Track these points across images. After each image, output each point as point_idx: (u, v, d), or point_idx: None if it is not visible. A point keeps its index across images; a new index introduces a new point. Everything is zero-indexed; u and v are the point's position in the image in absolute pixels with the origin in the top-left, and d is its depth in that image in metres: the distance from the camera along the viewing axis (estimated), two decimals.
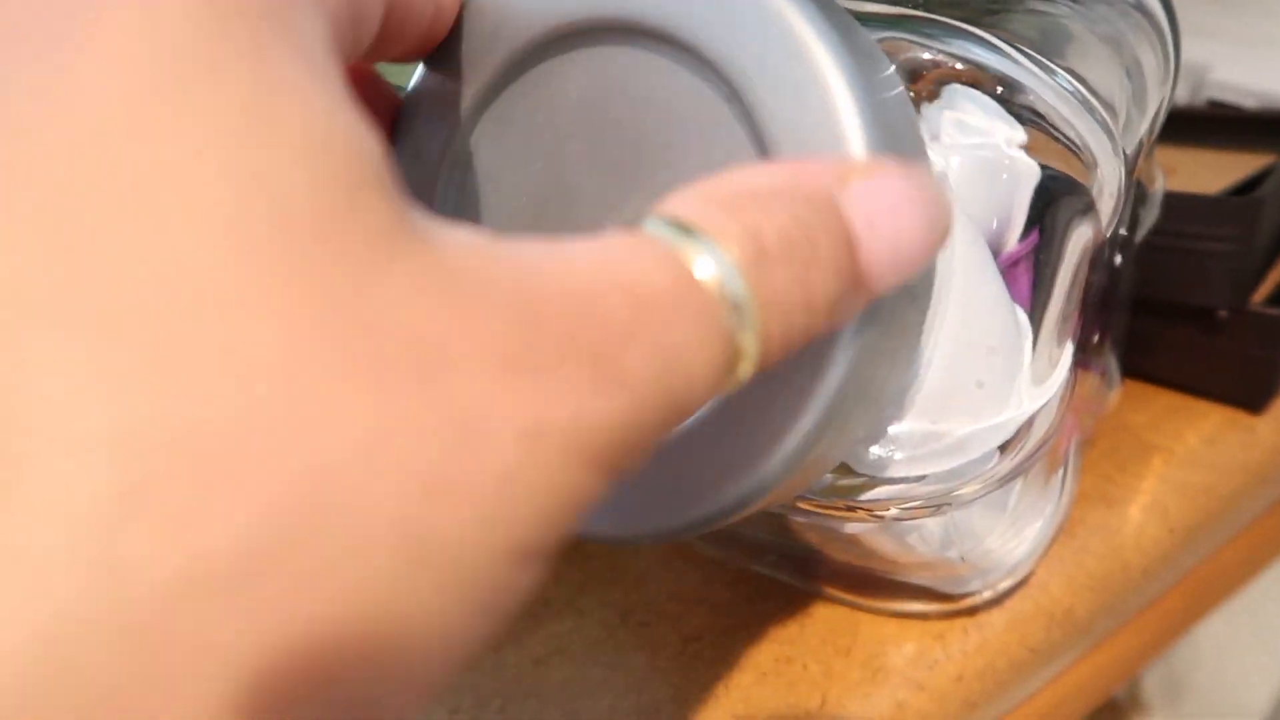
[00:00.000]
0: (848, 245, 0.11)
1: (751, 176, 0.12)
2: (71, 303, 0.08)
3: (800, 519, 0.21)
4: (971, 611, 0.24)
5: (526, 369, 0.09)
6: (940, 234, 0.12)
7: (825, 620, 0.25)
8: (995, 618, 0.24)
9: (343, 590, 0.08)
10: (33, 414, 0.08)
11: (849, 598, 0.25)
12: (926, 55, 0.18)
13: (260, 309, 0.08)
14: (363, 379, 0.08)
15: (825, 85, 0.14)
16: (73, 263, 0.08)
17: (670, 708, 0.23)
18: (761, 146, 0.15)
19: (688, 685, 0.23)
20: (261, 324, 0.08)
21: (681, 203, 0.11)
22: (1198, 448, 0.29)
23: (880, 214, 0.12)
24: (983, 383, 0.19)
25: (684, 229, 0.11)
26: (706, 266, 0.10)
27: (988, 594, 0.24)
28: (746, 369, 0.11)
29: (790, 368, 0.15)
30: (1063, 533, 0.25)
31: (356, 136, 0.10)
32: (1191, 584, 0.30)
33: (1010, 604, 0.25)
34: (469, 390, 0.09)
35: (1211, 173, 0.30)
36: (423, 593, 0.09)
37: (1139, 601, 0.27)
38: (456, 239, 0.10)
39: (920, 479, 0.20)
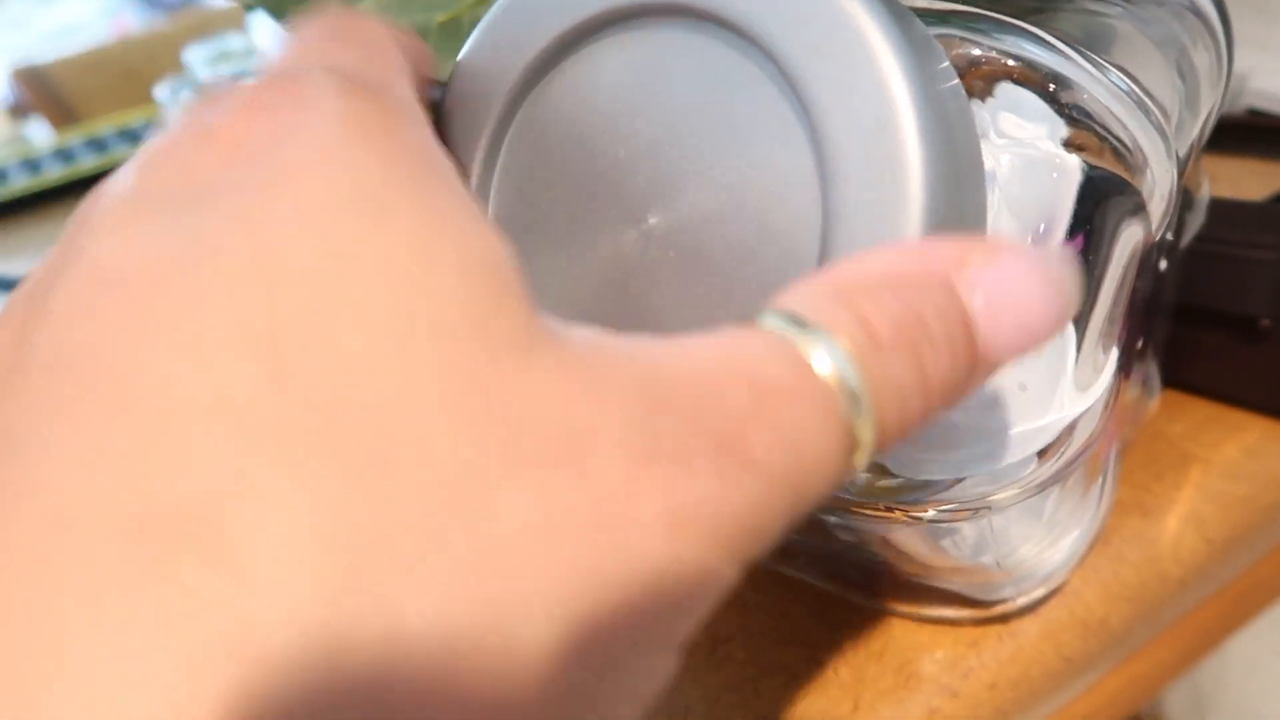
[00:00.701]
0: (965, 328, 0.12)
1: (866, 265, 0.12)
2: (281, 419, 0.09)
3: (836, 519, 0.21)
4: (1005, 619, 0.24)
5: (663, 456, 0.10)
6: (1064, 311, 0.12)
7: (857, 625, 0.24)
8: (1029, 626, 0.24)
9: (510, 680, 0.09)
10: (253, 517, 0.09)
11: (881, 603, 0.24)
12: (977, 51, 0.18)
13: (434, 416, 0.09)
14: (524, 471, 0.09)
15: (881, 73, 0.14)
16: (279, 384, 0.09)
17: (701, 708, 0.23)
18: (812, 131, 0.15)
19: (718, 687, 0.23)
20: (438, 431, 0.09)
21: (796, 297, 0.11)
22: (1237, 458, 0.28)
23: (999, 295, 0.12)
24: (1025, 385, 0.19)
25: (799, 323, 0.11)
26: (822, 360, 0.11)
27: (1022, 601, 0.23)
28: (863, 457, 0.11)
29: None
30: (1098, 541, 0.25)
31: (493, 249, 0.11)
32: (1228, 596, 0.29)
33: (1044, 612, 0.24)
34: (616, 478, 0.09)
35: (1255, 180, 0.29)
36: (583, 682, 0.09)
37: (1175, 612, 0.27)
38: (582, 335, 0.11)
39: (958, 482, 0.20)
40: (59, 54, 0.92)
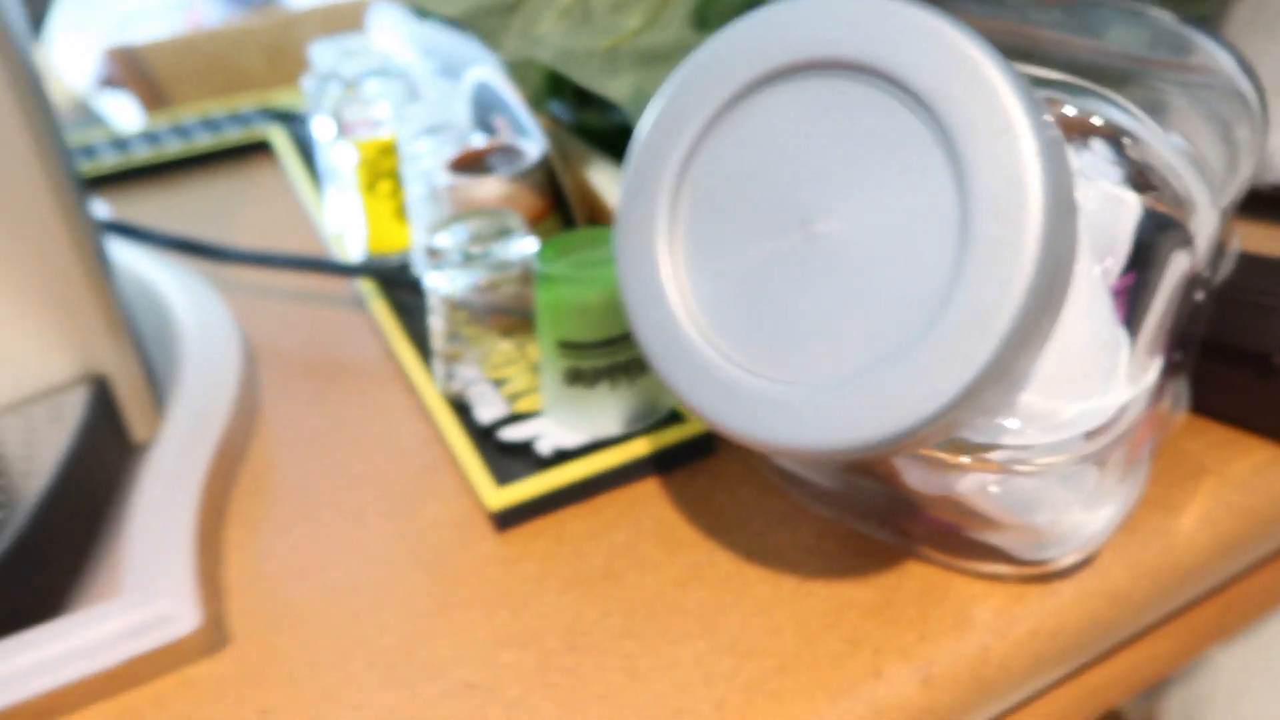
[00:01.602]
0: None
1: None
2: None
3: (919, 468, 0.26)
4: (1045, 579, 0.29)
5: None
6: None
7: (921, 576, 0.29)
8: (1066, 589, 0.29)
9: None
10: None
11: (942, 558, 0.29)
12: (1070, 110, 0.23)
13: None
14: None
15: (1013, 125, 0.19)
16: None
17: (791, 627, 0.28)
18: (955, 170, 0.20)
19: (805, 614, 0.28)
20: None
21: None
22: (1247, 475, 0.33)
23: None
24: (1088, 374, 0.24)
25: None
26: None
27: (1061, 563, 0.28)
28: None
29: (953, 351, 0.20)
30: (1127, 527, 0.30)
31: None
32: (1230, 596, 0.34)
33: (1079, 579, 0.29)
34: None
35: (1277, 242, 0.34)
36: None
37: (1185, 597, 0.32)
38: None
39: (1026, 448, 0.24)
40: (146, 38, 0.98)
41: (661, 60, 0.31)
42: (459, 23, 0.34)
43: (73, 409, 0.32)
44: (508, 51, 0.32)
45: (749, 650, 0.27)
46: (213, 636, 0.28)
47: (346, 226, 0.47)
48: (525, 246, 0.35)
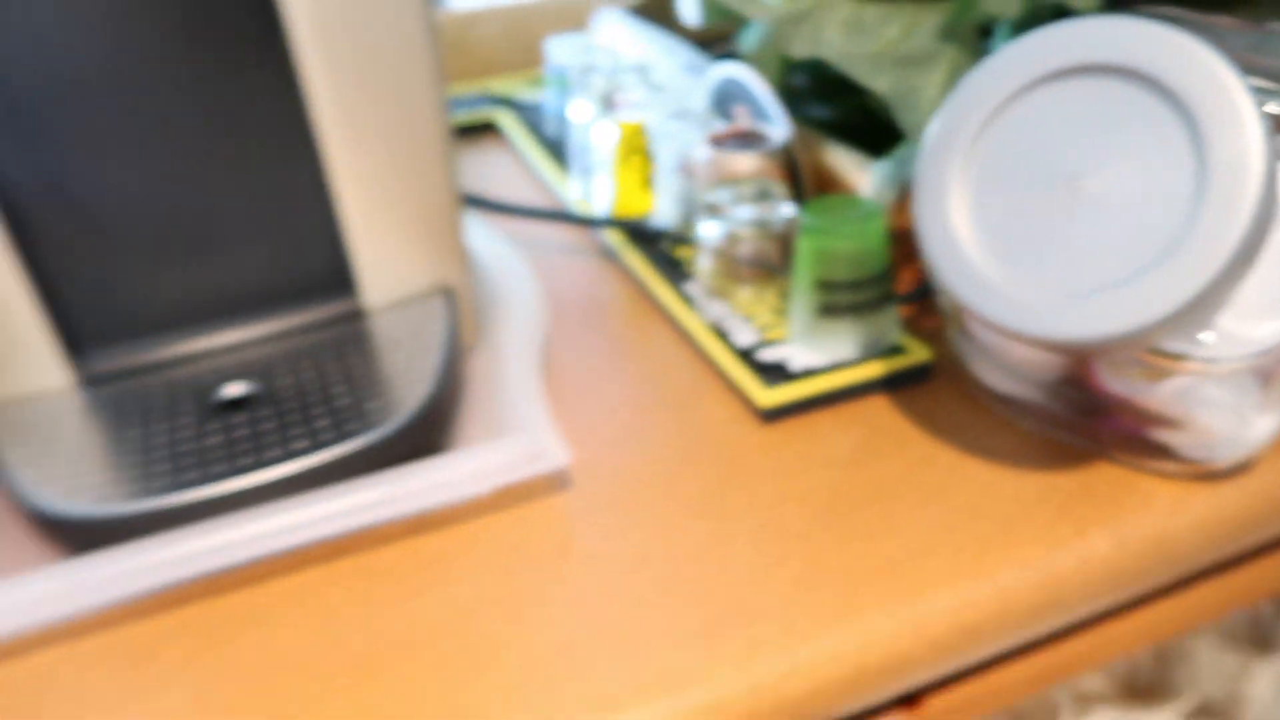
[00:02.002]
0: None
1: None
2: None
3: (1121, 377, 0.34)
4: (1212, 477, 0.36)
5: None
6: None
7: (1111, 472, 0.37)
8: (1228, 488, 0.36)
9: None
10: None
11: (1127, 458, 0.37)
12: (1270, 108, 0.31)
13: None
14: None
15: (1241, 109, 0.28)
16: None
17: (1010, 499, 0.36)
18: (1199, 154, 0.28)
19: (1019, 492, 0.36)
20: None
21: None
22: None
23: None
24: (1276, 301, 0.32)
25: None
26: None
27: (1222, 464, 0.36)
28: None
29: (1182, 272, 0.28)
30: None
31: None
32: None
33: (1240, 480, 0.37)
34: None
35: None
36: None
37: None
38: None
39: (1213, 360, 0.33)
40: None
41: (913, 64, 0.40)
42: (761, 25, 0.44)
43: (439, 309, 0.42)
44: (796, 51, 0.41)
45: (978, 513, 0.36)
46: (565, 475, 0.38)
47: (594, 194, 0.57)
48: (785, 209, 0.44)
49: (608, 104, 0.53)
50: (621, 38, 0.65)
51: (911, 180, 0.33)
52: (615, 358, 0.46)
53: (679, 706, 0.29)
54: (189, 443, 0.36)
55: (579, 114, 0.57)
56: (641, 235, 0.53)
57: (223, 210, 0.38)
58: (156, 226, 0.38)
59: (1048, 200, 0.31)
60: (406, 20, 0.36)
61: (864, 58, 0.40)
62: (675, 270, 0.50)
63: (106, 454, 0.35)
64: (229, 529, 0.33)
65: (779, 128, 0.48)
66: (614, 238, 0.54)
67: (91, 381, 0.39)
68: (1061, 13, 0.40)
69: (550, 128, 0.67)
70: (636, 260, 0.51)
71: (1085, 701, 0.46)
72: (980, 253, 0.32)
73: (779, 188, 0.44)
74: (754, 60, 0.50)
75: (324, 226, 0.40)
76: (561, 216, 0.54)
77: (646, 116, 0.53)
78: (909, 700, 0.37)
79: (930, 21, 0.40)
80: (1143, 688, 0.47)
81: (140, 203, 0.37)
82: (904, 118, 0.40)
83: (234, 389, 0.38)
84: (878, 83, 0.40)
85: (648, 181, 0.54)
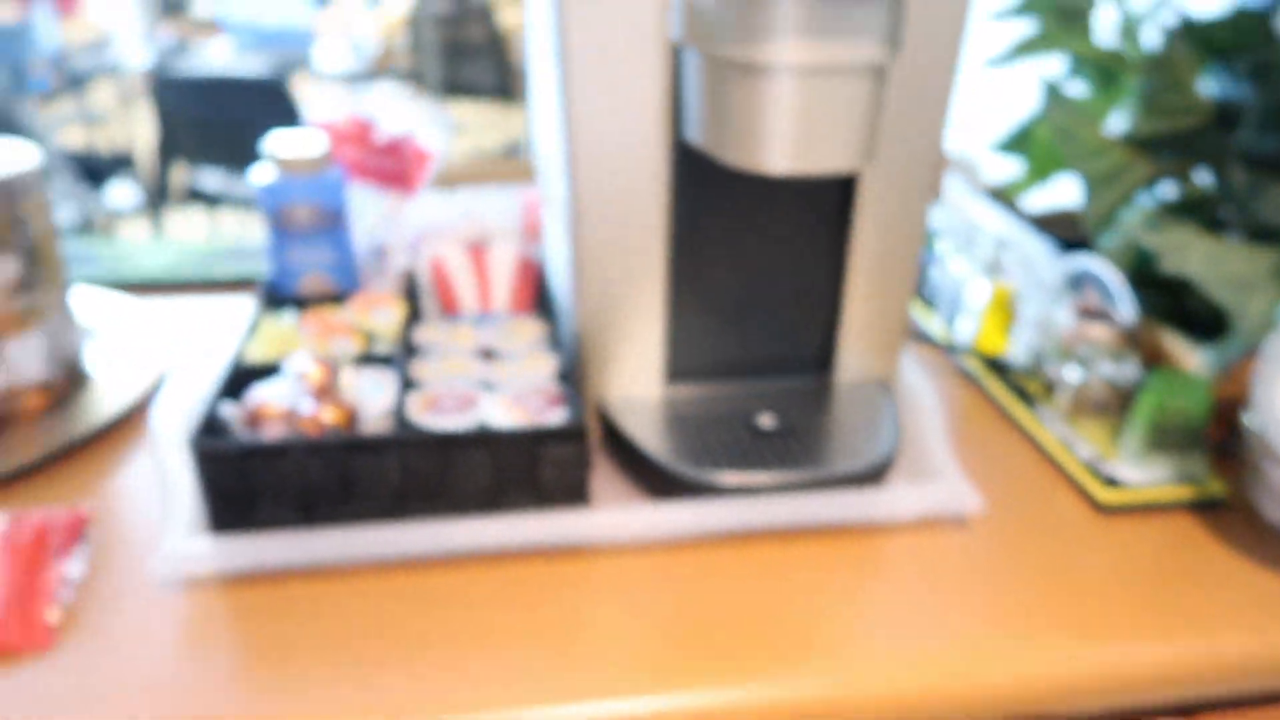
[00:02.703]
0: None
1: None
2: None
3: None
4: None
5: None
6: None
7: None
8: None
9: None
10: None
11: None
12: None
13: None
14: None
15: None
16: None
17: (1258, 607, 0.52)
18: None
19: (1269, 597, 0.52)
20: None
21: None
22: None
23: None
24: None
25: None
26: None
27: None
28: None
29: None
30: None
31: None
32: None
33: None
34: None
35: None
36: None
37: None
38: None
39: None
40: None
41: (1249, 287, 0.58)
42: (1120, 234, 0.63)
43: (884, 391, 0.62)
44: (1166, 268, 0.60)
45: (1261, 602, 0.52)
46: (966, 517, 0.57)
47: (957, 328, 0.77)
48: (1131, 370, 0.62)
49: (987, 268, 0.73)
50: (988, 216, 0.85)
51: (1235, 364, 0.50)
52: (977, 445, 0.65)
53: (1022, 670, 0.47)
54: (737, 447, 0.57)
55: (959, 269, 0.77)
56: (997, 367, 0.72)
57: (773, 300, 0.61)
58: (733, 302, 0.60)
59: None
60: (922, 190, 0.58)
61: (1215, 278, 0.58)
62: (1025, 396, 0.69)
63: (688, 441, 0.57)
64: (757, 506, 0.54)
65: (1126, 309, 0.67)
66: (973, 364, 0.73)
67: (676, 395, 0.62)
68: None
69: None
70: (994, 384, 0.70)
71: None
72: None
73: (1127, 353, 0.62)
74: (1111, 256, 0.69)
75: (829, 323, 0.62)
76: (928, 340, 0.74)
77: (1014, 281, 0.73)
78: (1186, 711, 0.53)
79: (1266, 260, 0.58)
80: None
81: (729, 285, 0.60)
82: (1238, 324, 0.57)
83: (767, 420, 0.59)
84: (1222, 295, 0.57)
85: (1007, 329, 0.73)
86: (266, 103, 2.25)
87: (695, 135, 0.54)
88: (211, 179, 2.43)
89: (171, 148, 2.40)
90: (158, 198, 2.43)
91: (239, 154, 2.28)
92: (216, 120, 2.32)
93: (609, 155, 0.54)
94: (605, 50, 0.51)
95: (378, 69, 3.00)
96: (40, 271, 0.64)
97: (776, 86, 0.49)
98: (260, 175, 0.66)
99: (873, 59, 0.49)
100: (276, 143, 0.67)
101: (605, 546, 0.53)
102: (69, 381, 0.67)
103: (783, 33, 0.47)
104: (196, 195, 2.48)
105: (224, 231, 2.57)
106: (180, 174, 2.45)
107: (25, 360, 0.64)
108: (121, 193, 2.50)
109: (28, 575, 0.49)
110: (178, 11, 3.84)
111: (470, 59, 3.01)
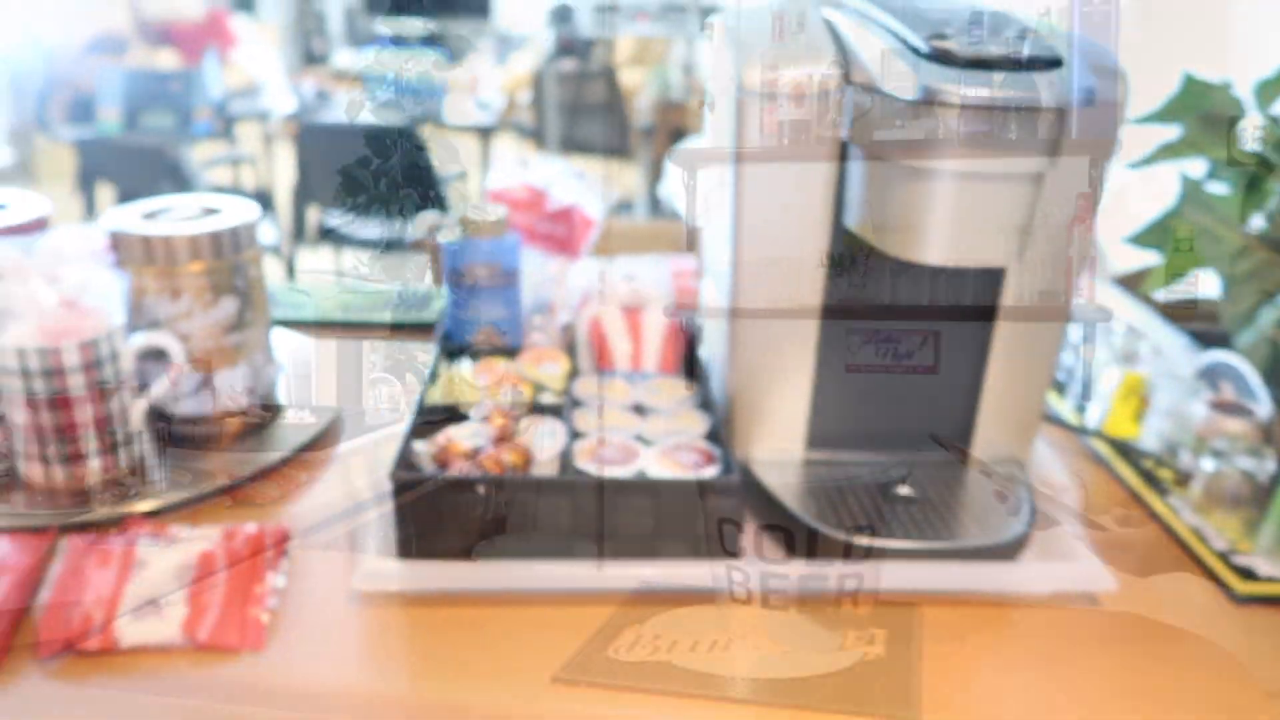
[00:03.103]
0: None
1: None
2: None
3: None
4: None
5: None
6: None
7: None
8: None
9: None
10: None
11: None
12: None
13: None
14: None
15: None
16: None
17: None
18: None
19: None
20: None
21: None
22: None
23: None
24: None
25: None
26: None
27: None
28: None
29: None
30: None
31: None
32: None
33: None
34: None
35: None
36: None
37: None
38: None
39: None
40: None
41: None
42: (1258, 332, 0.65)
43: (1018, 468, 0.65)
44: None
45: None
46: (1095, 595, 0.59)
47: (1088, 412, 0.79)
48: (1270, 465, 0.63)
49: (1119, 355, 0.76)
50: (1118, 303, 0.87)
51: None
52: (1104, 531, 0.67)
53: None
54: (876, 512, 0.61)
55: (1090, 355, 0.80)
56: (1127, 451, 0.74)
57: (916, 377, 0.64)
58: (878, 376, 0.64)
59: None
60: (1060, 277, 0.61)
61: None
62: (1155, 483, 0.70)
63: (829, 503, 0.61)
64: (913, 569, 0.57)
65: (1263, 405, 0.68)
66: (1101, 447, 0.75)
67: (816, 459, 0.66)
68: None
69: None
70: (1125, 469, 0.72)
71: None
72: None
73: (1265, 448, 0.64)
74: (1246, 352, 0.70)
75: (969, 404, 0.65)
76: (1059, 421, 0.76)
77: (1146, 369, 0.75)
78: None
79: None
80: None
81: (873, 360, 0.64)
82: None
83: (904, 489, 0.63)
84: None
85: (1139, 416, 0.75)
86: (400, 151, 2.40)
87: (856, 222, 0.58)
88: (343, 221, 2.58)
89: (308, 190, 2.57)
90: (294, 237, 2.59)
91: (372, 198, 2.43)
92: (351, 165, 2.48)
93: (773, 235, 0.59)
94: (777, 142, 0.56)
95: (501, 123, 3.14)
96: (250, 312, 0.72)
97: (938, 188, 0.53)
98: (439, 231, 0.74)
99: (1030, 169, 0.53)
100: (464, 206, 0.74)
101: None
102: (264, 410, 0.75)
103: (947, 143, 0.51)
104: (327, 234, 2.64)
105: (350, 270, 2.72)
106: (314, 215, 2.61)
107: (231, 390, 0.72)
108: (262, 230, 2.67)
109: (245, 583, 0.56)
110: (316, 63, 4.11)
111: (589, 116, 3.13)
